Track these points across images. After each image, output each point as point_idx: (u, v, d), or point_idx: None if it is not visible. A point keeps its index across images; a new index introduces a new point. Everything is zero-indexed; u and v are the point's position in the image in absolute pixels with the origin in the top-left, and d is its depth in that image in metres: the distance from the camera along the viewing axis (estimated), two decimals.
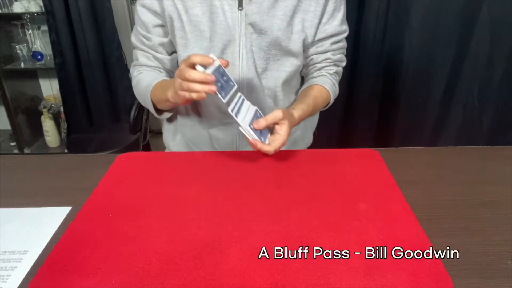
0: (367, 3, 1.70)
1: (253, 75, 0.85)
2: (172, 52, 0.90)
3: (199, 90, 0.67)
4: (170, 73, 0.93)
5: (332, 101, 0.94)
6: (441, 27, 1.64)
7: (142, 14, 0.84)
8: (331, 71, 0.94)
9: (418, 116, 1.83)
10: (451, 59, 1.69)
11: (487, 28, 1.60)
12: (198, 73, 0.66)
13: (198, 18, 0.81)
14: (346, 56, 0.96)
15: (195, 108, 0.93)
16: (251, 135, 0.72)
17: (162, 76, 0.89)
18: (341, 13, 0.87)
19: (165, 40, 0.86)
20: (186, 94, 0.68)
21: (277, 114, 0.75)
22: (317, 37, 0.87)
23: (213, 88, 0.65)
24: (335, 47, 0.91)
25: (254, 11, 0.80)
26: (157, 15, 0.83)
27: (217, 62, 0.69)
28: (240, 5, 0.80)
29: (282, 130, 0.75)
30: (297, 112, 0.82)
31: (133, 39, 0.90)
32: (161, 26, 0.85)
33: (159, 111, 0.90)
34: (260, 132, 0.74)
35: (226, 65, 0.70)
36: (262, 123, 0.73)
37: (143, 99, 0.89)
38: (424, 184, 0.71)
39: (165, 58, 0.89)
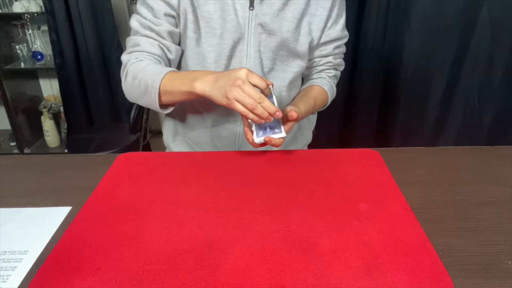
0: (367, 3, 1.70)
1: (259, 74, 0.85)
2: (176, 44, 0.88)
3: (262, 116, 0.67)
4: (169, 64, 0.88)
5: (329, 102, 0.97)
6: (441, 27, 1.64)
7: (153, 1, 0.81)
8: (330, 74, 0.97)
9: (418, 116, 1.83)
10: (451, 59, 1.69)
11: (487, 28, 1.60)
12: (271, 105, 0.67)
13: (210, 15, 0.81)
14: (347, 55, 0.99)
15: (196, 107, 0.93)
16: (266, 135, 0.75)
17: (165, 67, 0.83)
18: (343, 19, 0.90)
19: (175, 30, 0.84)
20: (240, 107, 0.67)
21: (292, 114, 0.76)
22: (321, 41, 0.90)
23: (271, 119, 0.68)
24: (337, 52, 0.94)
25: (264, 12, 0.81)
26: (171, 6, 0.82)
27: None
28: (251, 5, 0.81)
29: (287, 127, 0.77)
30: (301, 115, 0.84)
31: (135, 24, 0.84)
32: (172, 17, 0.83)
33: (162, 105, 0.83)
34: (270, 127, 0.76)
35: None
36: (280, 114, 0.70)
37: (142, 91, 0.80)
38: (424, 184, 0.71)
39: (172, 46, 0.85)
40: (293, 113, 0.76)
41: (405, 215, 0.61)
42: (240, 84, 0.66)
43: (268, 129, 0.75)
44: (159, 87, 0.77)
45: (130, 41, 0.86)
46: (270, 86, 0.72)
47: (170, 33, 0.84)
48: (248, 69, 0.68)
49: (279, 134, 0.74)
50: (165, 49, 0.85)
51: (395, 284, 0.47)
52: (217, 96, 0.70)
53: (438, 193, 0.68)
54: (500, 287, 0.48)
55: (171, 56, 0.86)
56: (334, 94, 0.98)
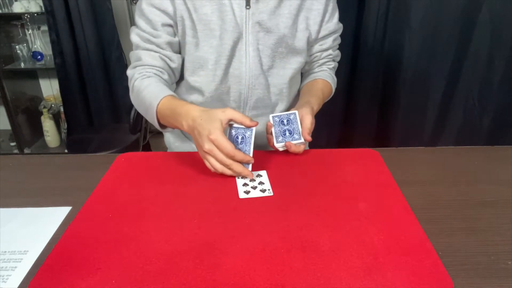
0: (367, 3, 1.70)
1: (259, 72, 0.87)
2: (177, 53, 0.88)
3: (232, 174, 0.70)
4: (172, 73, 0.89)
5: (333, 92, 1.01)
6: (441, 27, 1.64)
7: (150, 12, 0.82)
8: (330, 66, 1.00)
9: (418, 116, 1.83)
10: (451, 59, 1.69)
11: (487, 28, 1.60)
12: (240, 167, 0.69)
13: (208, 17, 0.81)
14: (346, 55, 1.00)
15: None
16: (286, 140, 0.78)
17: (165, 86, 0.82)
18: (337, 12, 0.93)
19: (174, 39, 0.85)
20: (212, 168, 0.70)
21: (307, 120, 0.79)
22: (321, 35, 0.91)
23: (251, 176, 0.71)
24: (335, 44, 0.97)
25: (261, 10, 0.82)
26: (168, 15, 0.82)
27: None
28: (248, 4, 0.81)
29: (305, 122, 0.80)
30: (315, 106, 0.87)
31: (135, 38, 0.85)
32: (170, 26, 0.84)
33: (163, 125, 0.83)
34: (289, 131, 0.79)
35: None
36: (305, 134, 0.78)
37: (144, 110, 0.83)
38: (424, 184, 0.71)
39: (173, 55, 0.86)
40: (308, 119, 0.79)
41: (405, 215, 0.61)
42: (212, 145, 0.67)
43: (287, 133, 0.77)
44: (156, 111, 0.78)
45: (133, 55, 0.88)
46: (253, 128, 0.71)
47: (169, 44, 0.85)
48: (229, 111, 0.69)
49: (298, 140, 0.77)
50: (167, 59, 0.86)
51: (395, 284, 0.47)
52: (194, 142, 0.73)
53: (438, 193, 0.68)
54: (500, 287, 0.48)
55: (173, 65, 0.87)
56: (336, 84, 1.01)
